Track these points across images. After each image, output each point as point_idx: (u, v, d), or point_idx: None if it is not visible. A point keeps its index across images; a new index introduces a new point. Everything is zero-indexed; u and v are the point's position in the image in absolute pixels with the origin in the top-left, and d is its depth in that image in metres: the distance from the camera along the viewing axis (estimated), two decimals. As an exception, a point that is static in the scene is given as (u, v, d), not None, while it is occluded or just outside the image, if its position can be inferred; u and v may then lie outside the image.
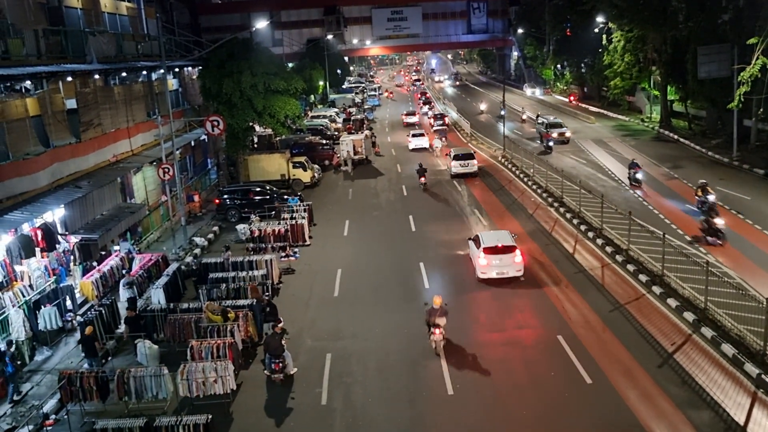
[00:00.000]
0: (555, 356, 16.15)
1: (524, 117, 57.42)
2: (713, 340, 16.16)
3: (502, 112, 48.40)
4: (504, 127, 44.66)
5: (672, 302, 18.46)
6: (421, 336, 17.52)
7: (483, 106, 66.37)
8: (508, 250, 20.78)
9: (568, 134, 44.63)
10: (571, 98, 68.72)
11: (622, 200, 29.12)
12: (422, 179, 35.25)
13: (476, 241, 21.90)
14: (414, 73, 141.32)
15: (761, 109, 34.34)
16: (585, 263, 22.51)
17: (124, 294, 20.64)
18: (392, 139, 53.44)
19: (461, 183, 35.66)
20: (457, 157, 37.36)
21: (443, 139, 46.56)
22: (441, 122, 53.76)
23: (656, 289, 19.44)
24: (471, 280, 21.45)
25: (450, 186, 35.26)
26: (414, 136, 47.62)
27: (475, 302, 19.81)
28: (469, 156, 37.81)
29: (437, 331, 16.46)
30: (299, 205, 28.95)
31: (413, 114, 61.62)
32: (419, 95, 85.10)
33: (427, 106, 68.48)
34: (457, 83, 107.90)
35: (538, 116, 50.96)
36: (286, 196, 31.67)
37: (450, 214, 29.64)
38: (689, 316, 17.51)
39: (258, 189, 31.70)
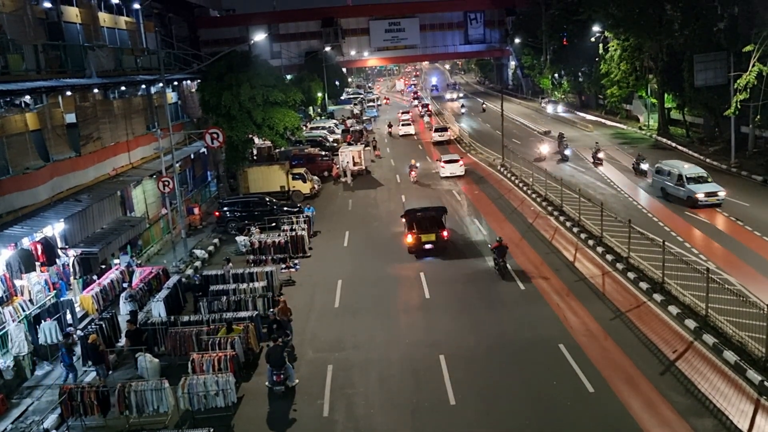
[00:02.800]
0: (557, 365, 16.12)
1: (600, 155, 40.18)
2: (715, 347, 16.14)
3: (567, 152, 42.06)
4: (503, 138, 44.58)
5: (673, 309, 18.45)
6: (423, 345, 17.55)
7: (545, 149, 44.05)
8: (455, 161, 40.40)
9: (722, 194, 28.88)
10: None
11: (621, 208, 29.16)
12: (390, 130, 62.63)
13: (439, 160, 41.41)
14: (413, 78, 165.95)
15: (758, 116, 34.47)
16: (585, 271, 22.51)
17: (124, 307, 20.62)
18: (388, 133, 64.20)
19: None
20: (436, 130, 55.68)
21: (428, 116, 70.87)
22: (426, 110, 77.15)
23: (657, 297, 19.43)
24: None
25: (453, 197, 35.34)
26: (403, 125, 62.90)
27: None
28: (444, 129, 56.16)
29: (413, 173, 38.96)
30: (298, 217, 28.98)
31: (407, 112, 74.85)
32: (413, 93, 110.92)
33: (417, 101, 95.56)
34: (483, 106, 77.22)
35: (639, 158, 36.82)
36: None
37: (452, 227, 29.63)
38: (690, 323, 17.50)
39: (258, 201, 31.72)
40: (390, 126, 63.57)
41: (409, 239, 25.17)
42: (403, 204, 27.03)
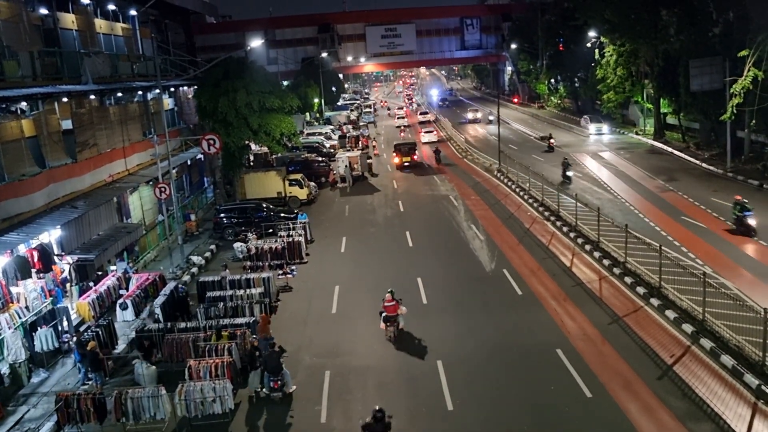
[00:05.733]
0: (554, 370, 16.10)
1: None
2: (712, 352, 16.15)
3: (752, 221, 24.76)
4: (499, 144, 44.54)
5: (670, 314, 18.46)
6: (420, 351, 17.49)
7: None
8: (431, 132, 59.16)
9: None
10: (515, 100, 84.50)
11: (618, 213, 29.19)
12: (388, 113, 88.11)
13: (420, 132, 60.93)
14: (412, 78, 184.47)
15: (753, 121, 34.60)
16: (583, 276, 22.52)
17: (121, 314, 20.56)
18: (385, 129, 75.30)
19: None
20: (421, 113, 77.27)
21: (413, 106, 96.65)
22: (411, 101, 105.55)
23: (654, 301, 19.45)
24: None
25: (449, 203, 35.44)
26: (398, 117, 76.22)
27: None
28: (425, 113, 77.08)
29: (401, 134, 66.06)
30: (295, 223, 28.94)
31: (402, 108, 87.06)
32: (405, 94, 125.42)
33: (408, 99, 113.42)
34: (551, 142, 48.51)
35: (740, 204, 24.99)
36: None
37: (448, 233, 29.68)
38: (688, 327, 17.50)
39: (254, 207, 31.69)
40: (389, 110, 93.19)
41: (396, 160, 46.29)
42: (396, 190, 39.36)
